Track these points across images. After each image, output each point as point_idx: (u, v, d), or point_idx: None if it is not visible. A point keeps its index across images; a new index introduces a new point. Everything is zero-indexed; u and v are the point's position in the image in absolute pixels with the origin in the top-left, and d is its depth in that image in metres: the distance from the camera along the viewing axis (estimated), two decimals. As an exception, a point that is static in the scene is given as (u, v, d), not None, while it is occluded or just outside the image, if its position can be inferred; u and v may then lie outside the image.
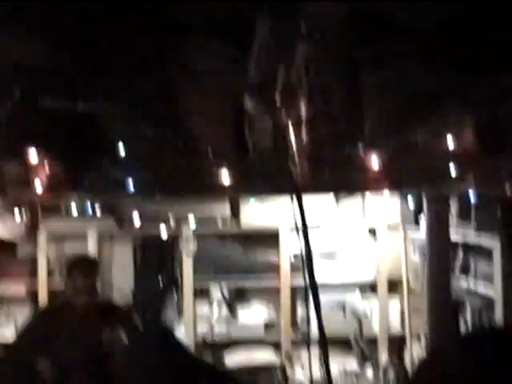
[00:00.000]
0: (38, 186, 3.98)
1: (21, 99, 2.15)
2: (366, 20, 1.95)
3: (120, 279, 7.20)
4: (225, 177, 3.68)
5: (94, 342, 4.35)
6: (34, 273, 7.15)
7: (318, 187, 4.08)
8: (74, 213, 6.56)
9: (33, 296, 7.19)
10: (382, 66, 2.33)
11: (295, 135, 2.23)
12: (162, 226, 6.03)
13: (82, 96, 2.12)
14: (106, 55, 2.05)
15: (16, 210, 6.77)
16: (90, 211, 6.17)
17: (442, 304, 4.76)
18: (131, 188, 3.86)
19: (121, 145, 3.41)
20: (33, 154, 3.57)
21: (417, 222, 6.13)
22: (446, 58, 2.17)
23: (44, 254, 7.12)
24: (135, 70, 2.14)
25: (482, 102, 2.78)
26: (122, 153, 3.37)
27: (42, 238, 7.10)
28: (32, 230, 7.08)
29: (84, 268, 4.64)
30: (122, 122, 3.14)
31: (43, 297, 6.95)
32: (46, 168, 3.86)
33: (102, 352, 4.26)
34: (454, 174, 3.80)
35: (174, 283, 4.60)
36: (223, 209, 6.98)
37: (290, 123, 1.54)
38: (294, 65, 1.50)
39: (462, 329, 5.90)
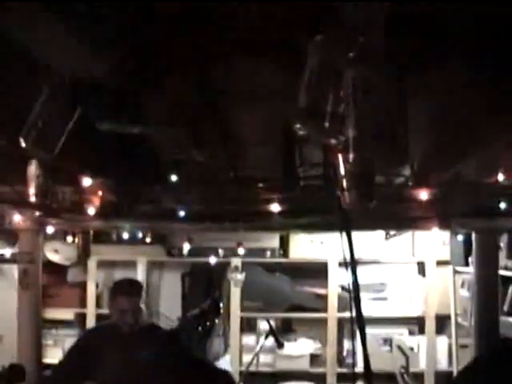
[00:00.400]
0: (91, 212, 4.04)
1: (78, 121, 2.20)
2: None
3: (167, 307, 7.26)
4: (275, 207, 3.72)
5: (138, 361, 4.38)
6: (83, 298, 7.25)
7: (367, 221, 4.10)
8: (125, 240, 6.68)
9: (81, 320, 7.29)
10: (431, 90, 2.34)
11: (344, 165, 2.26)
12: (212, 257, 6.07)
13: (136, 119, 2.17)
14: (161, 75, 2.11)
15: (69, 235, 6.90)
16: (140, 239, 6.26)
17: (490, 340, 4.70)
18: (182, 216, 3.91)
19: (173, 173, 3.46)
20: (87, 181, 3.63)
21: (466, 263, 6.07)
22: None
23: (93, 280, 7.21)
24: (188, 93, 2.20)
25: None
26: (174, 180, 3.42)
27: (92, 263, 7.20)
28: (83, 255, 7.18)
29: (127, 288, 4.69)
30: (174, 147, 3.19)
31: (91, 321, 7.04)
32: (99, 194, 3.93)
33: (145, 372, 4.29)
34: (503, 208, 3.78)
35: (217, 312, 4.60)
36: (273, 240, 7.02)
37: (339, 153, 1.58)
38: (343, 90, 1.53)
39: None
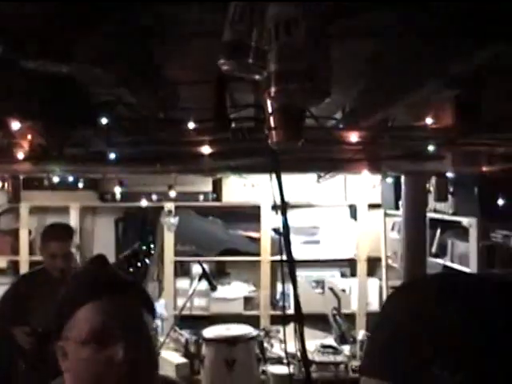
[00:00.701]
0: (20, 157, 3.97)
1: (2, 60, 2.14)
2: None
3: (101, 252, 7.23)
4: (206, 149, 3.72)
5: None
6: (15, 245, 7.17)
7: (297, 163, 4.13)
8: (57, 186, 6.61)
9: (14, 268, 7.23)
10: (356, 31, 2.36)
11: (272, 104, 2.27)
12: (144, 201, 6.04)
13: (62, 58, 2.13)
14: (87, 19, 2.06)
15: (-2, 181, 6.80)
16: (73, 184, 6.19)
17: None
18: (113, 159, 3.88)
19: (103, 115, 3.42)
20: (15, 124, 3.56)
21: (397, 207, 6.17)
22: (424, 31, 2.20)
23: (26, 226, 7.14)
24: (114, 34, 2.16)
25: (462, 79, 2.81)
26: (104, 122, 3.38)
27: (24, 210, 7.12)
28: (14, 202, 7.09)
29: (58, 233, 4.65)
30: (103, 88, 3.15)
31: (24, 268, 6.98)
32: (28, 138, 3.86)
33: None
34: (432, 151, 3.84)
35: (148, 252, 4.60)
36: (206, 184, 7.04)
37: (266, 92, 1.58)
38: (266, 26, 1.53)
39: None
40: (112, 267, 2.03)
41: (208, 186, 7.06)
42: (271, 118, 2.43)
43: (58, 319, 1.88)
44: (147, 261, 4.80)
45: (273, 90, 1.59)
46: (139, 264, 4.58)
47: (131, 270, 4.58)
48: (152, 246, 4.74)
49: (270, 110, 2.39)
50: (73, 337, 1.78)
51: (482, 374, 0.95)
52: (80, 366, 1.77)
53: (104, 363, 1.72)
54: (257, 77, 1.68)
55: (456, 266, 5.43)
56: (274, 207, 3.55)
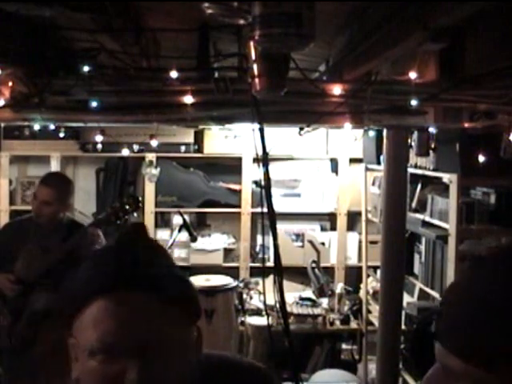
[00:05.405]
0: (0, 104, 3.93)
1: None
2: None
3: (82, 203, 7.23)
4: (188, 99, 3.69)
5: (56, 254, 4.37)
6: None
7: (280, 115, 4.12)
8: (38, 135, 6.56)
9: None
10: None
11: (255, 52, 2.25)
12: (125, 150, 6.02)
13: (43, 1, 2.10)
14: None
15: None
16: (54, 133, 6.15)
17: (396, 235, 4.84)
18: (94, 107, 3.85)
19: (85, 63, 3.38)
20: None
21: (378, 161, 6.18)
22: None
23: (6, 176, 7.10)
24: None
25: (446, 33, 2.80)
26: (86, 70, 3.34)
27: (4, 159, 7.07)
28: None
29: (51, 180, 4.61)
30: (84, 34, 3.11)
31: (5, 218, 6.96)
32: (9, 85, 3.81)
33: (63, 264, 4.28)
34: (414, 107, 3.83)
35: (136, 206, 4.58)
36: (187, 135, 7.02)
37: (250, 38, 1.57)
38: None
39: (416, 260, 6.05)
40: (152, 247, 1.49)
41: (190, 138, 7.05)
42: (255, 66, 2.41)
43: (70, 304, 1.42)
44: (135, 214, 4.78)
45: (257, 34, 1.58)
46: (126, 217, 4.58)
47: (118, 222, 4.58)
48: (140, 198, 4.71)
49: (253, 57, 2.37)
50: (80, 340, 1.37)
51: None
52: (86, 378, 1.36)
53: (110, 380, 1.31)
54: (241, 21, 1.67)
55: (435, 221, 5.47)
56: (256, 159, 3.55)
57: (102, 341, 1.32)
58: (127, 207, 4.51)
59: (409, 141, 4.97)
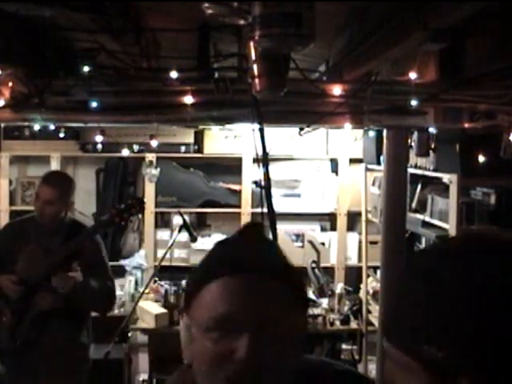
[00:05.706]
0: (1, 104, 3.93)
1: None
2: None
3: (82, 203, 7.22)
4: (188, 99, 3.70)
5: (57, 254, 4.35)
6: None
7: (280, 115, 4.13)
8: (38, 135, 6.55)
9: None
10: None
11: (255, 52, 2.25)
12: (125, 150, 6.02)
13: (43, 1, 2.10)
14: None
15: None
16: (54, 134, 6.15)
17: (396, 235, 4.83)
18: (94, 107, 3.85)
19: (85, 63, 3.39)
20: (-5, 71, 3.51)
21: (378, 162, 6.18)
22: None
23: (6, 176, 7.10)
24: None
25: (446, 33, 2.81)
26: (86, 71, 3.35)
27: (4, 160, 7.07)
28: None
29: (53, 179, 4.58)
30: (85, 35, 3.11)
31: (5, 219, 6.95)
32: (9, 85, 3.82)
33: (63, 264, 4.27)
34: (415, 107, 3.84)
35: (140, 208, 4.56)
36: (187, 135, 7.02)
37: (250, 38, 1.57)
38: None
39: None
40: (268, 241, 1.65)
41: (190, 138, 7.04)
42: (255, 66, 2.42)
43: (190, 287, 1.53)
44: (140, 215, 4.78)
45: (257, 34, 1.58)
46: (131, 218, 4.57)
47: (122, 223, 4.58)
48: (144, 200, 4.70)
49: (253, 57, 2.37)
50: (198, 318, 1.44)
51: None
52: (199, 356, 1.43)
53: (223, 356, 1.38)
54: (241, 21, 1.67)
55: (435, 221, 5.47)
56: (256, 159, 3.55)
57: (218, 316, 1.39)
58: (131, 209, 4.49)
59: (409, 141, 4.97)
